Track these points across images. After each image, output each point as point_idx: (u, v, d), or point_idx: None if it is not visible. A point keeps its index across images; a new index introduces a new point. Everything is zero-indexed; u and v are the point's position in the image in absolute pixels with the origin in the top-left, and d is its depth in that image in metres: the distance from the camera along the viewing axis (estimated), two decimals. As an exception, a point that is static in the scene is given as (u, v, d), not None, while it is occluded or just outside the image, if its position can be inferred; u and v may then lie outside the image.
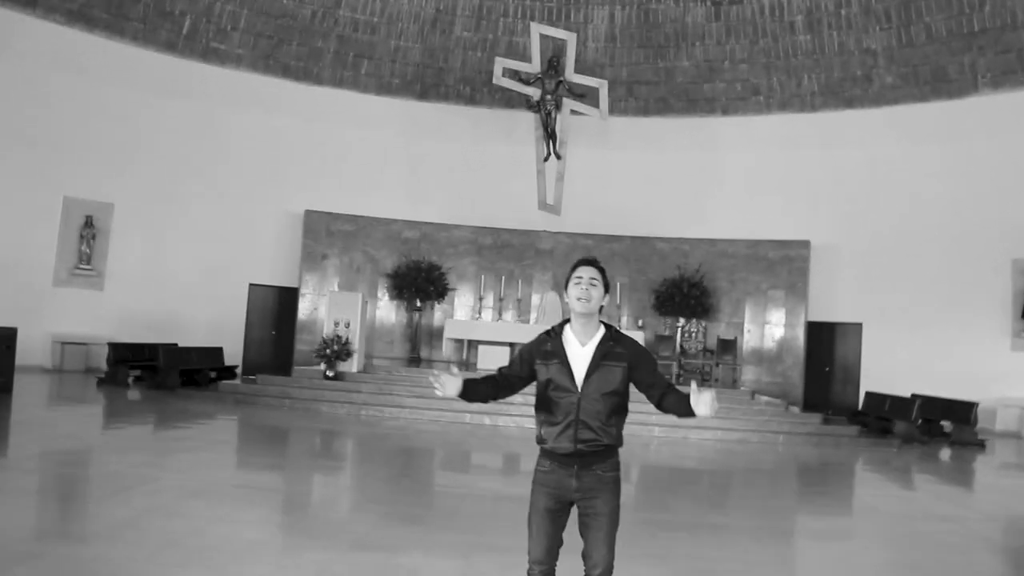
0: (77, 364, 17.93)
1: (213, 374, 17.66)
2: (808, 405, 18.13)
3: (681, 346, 18.24)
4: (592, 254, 3.86)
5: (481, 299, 20.20)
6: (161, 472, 8.24)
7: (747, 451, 13.22)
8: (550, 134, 18.56)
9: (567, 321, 3.69)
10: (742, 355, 18.93)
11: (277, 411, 14.46)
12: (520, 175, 19.73)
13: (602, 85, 17.99)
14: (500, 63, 18.53)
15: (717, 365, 17.76)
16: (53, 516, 6.46)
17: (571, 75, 18.08)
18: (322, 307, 18.87)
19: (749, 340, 19.23)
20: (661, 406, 3.62)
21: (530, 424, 13.13)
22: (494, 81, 18.60)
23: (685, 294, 18.85)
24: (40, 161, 17.62)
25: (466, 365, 18.51)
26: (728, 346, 17.99)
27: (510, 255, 20.41)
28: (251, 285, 20.13)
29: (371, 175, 20.49)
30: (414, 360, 19.18)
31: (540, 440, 3.65)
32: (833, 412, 17.36)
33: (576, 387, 3.53)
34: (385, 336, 20.20)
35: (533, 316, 19.74)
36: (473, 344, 18.66)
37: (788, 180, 19.44)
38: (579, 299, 3.59)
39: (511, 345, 17.79)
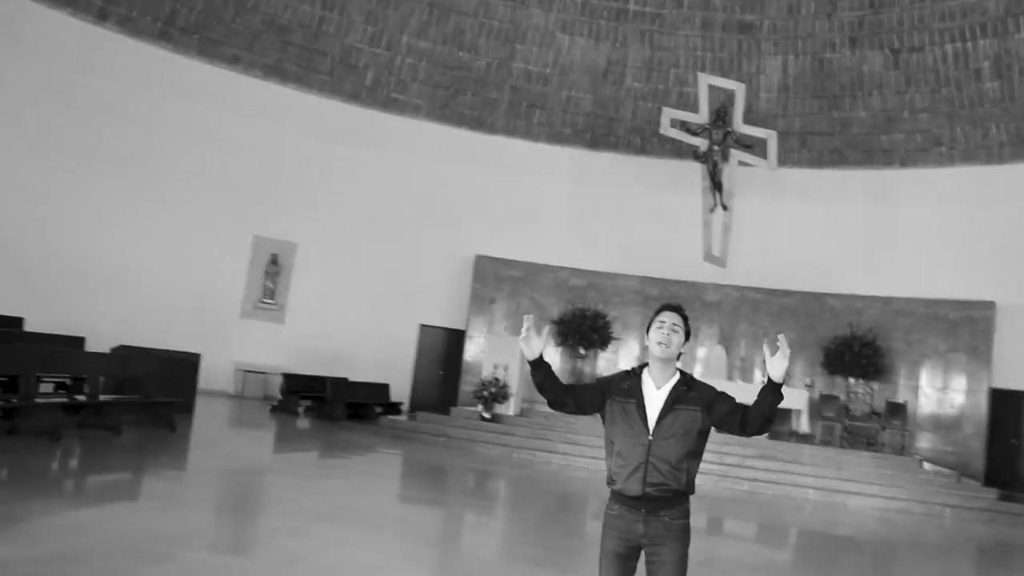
0: (257, 391, 19.14)
1: (379, 409, 18.39)
2: (991, 479, 16.80)
3: (847, 407, 17.48)
4: (677, 304, 3.82)
5: (646, 349, 20.04)
6: (305, 495, 8.70)
7: (908, 522, 12.50)
8: (717, 185, 18.39)
9: (645, 365, 3.71)
10: (915, 420, 17.92)
11: (432, 448, 14.92)
12: (689, 226, 19.56)
13: (771, 136, 17.68)
14: (667, 114, 18.59)
15: (884, 429, 16.88)
16: (198, 525, 6.97)
17: (739, 125, 17.86)
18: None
19: (925, 405, 18.18)
20: (745, 425, 3.55)
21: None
22: (661, 131, 18.68)
23: (856, 353, 18.09)
24: (233, 203, 19.11)
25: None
26: (897, 410, 17.08)
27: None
28: (421, 326, 20.87)
29: (541, 222, 20.90)
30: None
31: (610, 481, 3.65)
32: (1018, 488, 16.10)
33: (648, 429, 3.53)
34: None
35: (699, 370, 19.46)
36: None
37: (972, 236, 18.35)
38: (660, 343, 3.62)
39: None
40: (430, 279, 20.72)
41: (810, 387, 18.48)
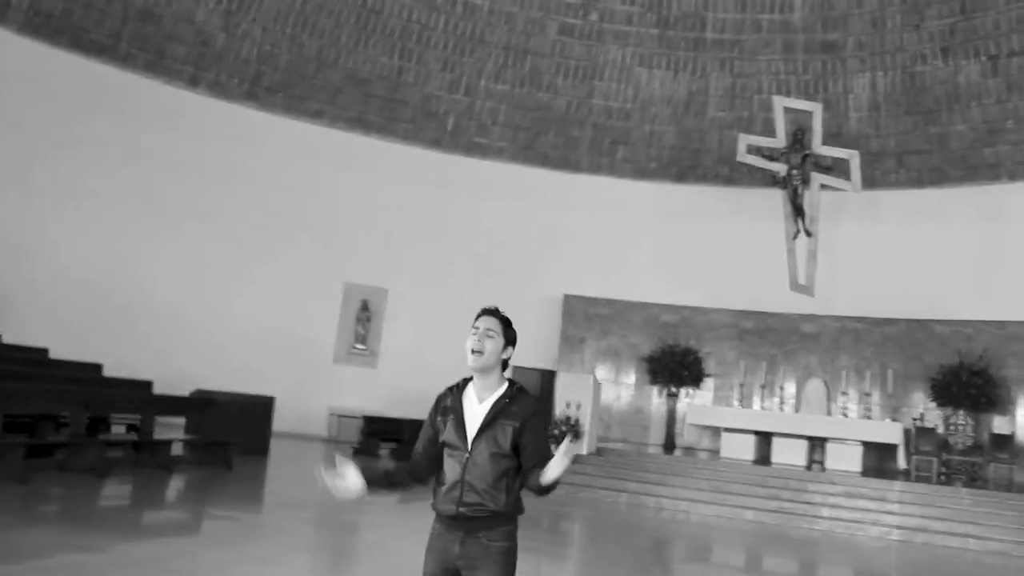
0: (351, 435, 19.48)
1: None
2: None
3: (946, 441, 16.38)
4: (494, 307, 3.63)
5: (742, 386, 19.45)
6: (308, 528, 8.99)
7: (1007, 566, 11.45)
8: (798, 210, 17.93)
9: (471, 378, 3.57)
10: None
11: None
12: (783, 256, 18.99)
13: (853, 156, 17.03)
14: (743, 139, 18.36)
15: (989, 463, 15.70)
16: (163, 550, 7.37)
17: (819, 147, 17.40)
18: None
19: (1047, 437, 16.80)
20: (524, 483, 3.39)
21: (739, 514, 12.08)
22: (738, 158, 18.46)
23: (964, 383, 16.96)
24: (324, 251, 20.13)
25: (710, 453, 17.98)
26: (1003, 442, 15.86)
27: (773, 339, 19.75)
28: (514, 367, 21.02)
29: (629, 259, 20.87)
30: (668, 447, 18.89)
31: (433, 500, 3.51)
32: None
33: (466, 445, 3.40)
34: (641, 421, 20.18)
35: (791, 405, 18.89)
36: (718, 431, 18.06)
37: (1092, 252, 17.02)
38: (472, 351, 3.46)
39: (758, 434, 17.13)
40: (520, 320, 19.79)
41: (917, 420, 17.40)
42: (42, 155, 17.43)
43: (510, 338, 3.55)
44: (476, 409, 3.46)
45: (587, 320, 20.70)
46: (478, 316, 3.56)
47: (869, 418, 17.62)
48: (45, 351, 14.61)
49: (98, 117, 17.82)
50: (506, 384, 3.53)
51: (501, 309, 3.61)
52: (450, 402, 3.52)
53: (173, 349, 18.10)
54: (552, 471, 3.19)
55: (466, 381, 3.57)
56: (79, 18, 17.56)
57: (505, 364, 3.55)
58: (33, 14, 17.06)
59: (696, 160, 20.93)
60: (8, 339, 14.65)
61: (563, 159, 21.26)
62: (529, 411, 3.45)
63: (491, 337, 3.48)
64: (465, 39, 20.45)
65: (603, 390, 18.80)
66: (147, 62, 18.34)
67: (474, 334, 3.49)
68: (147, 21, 18.28)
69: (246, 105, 19.36)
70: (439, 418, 3.51)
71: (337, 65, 19.94)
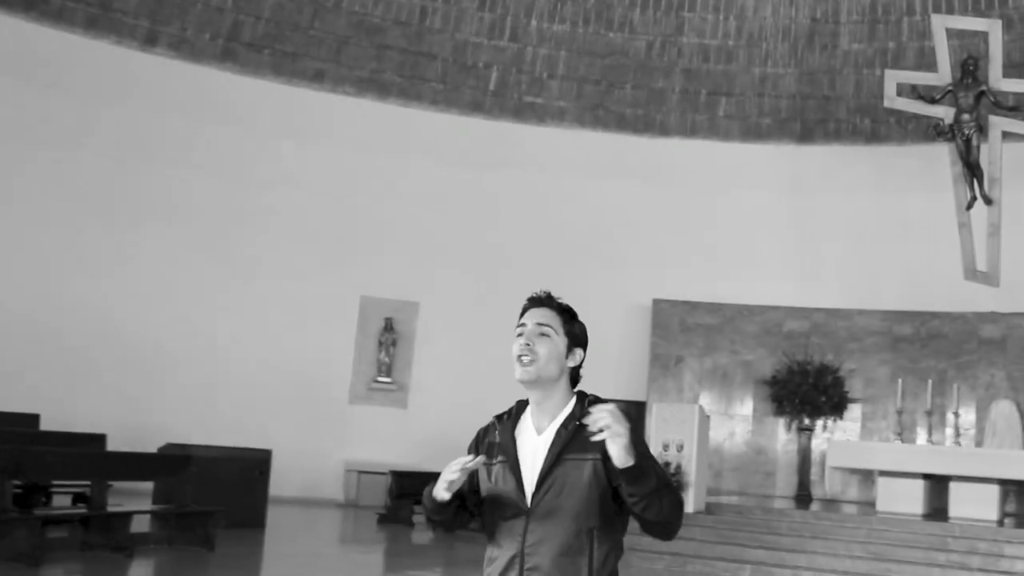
0: (375, 497, 18.01)
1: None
2: None
3: None
4: (546, 294, 3.13)
5: (900, 413, 17.45)
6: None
7: None
8: (973, 169, 16.24)
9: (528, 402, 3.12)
10: None
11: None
12: (951, 235, 17.21)
13: (1048, 89, 15.16)
14: (892, 77, 16.75)
15: None
16: None
17: (998, 81, 15.72)
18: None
19: None
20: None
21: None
22: (886, 104, 16.87)
23: None
24: (333, 257, 18.96)
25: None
26: None
27: (941, 349, 17.88)
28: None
29: (739, 249, 19.42)
30: (802, 499, 17.24)
31: None
32: None
33: (524, 501, 2.92)
34: (763, 466, 18.58)
35: (976, 434, 17.15)
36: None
37: None
38: (520, 357, 2.98)
39: (928, 477, 15.33)
40: (596, 337, 18.58)
41: None
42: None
43: (576, 336, 3.10)
44: (534, 444, 3.01)
45: (685, 332, 19.15)
46: (524, 310, 3.15)
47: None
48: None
49: (20, 88, 16.77)
50: (573, 401, 3.05)
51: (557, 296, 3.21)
52: (499, 437, 3.10)
53: (139, 393, 17.20)
54: (614, 451, 2.70)
55: (522, 406, 3.16)
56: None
57: (575, 376, 3.11)
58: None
59: (826, 111, 19.49)
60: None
61: (645, 120, 19.96)
62: None
63: (546, 335, 3.03)
64: (508, -35, 19.48)
65: (711, 425, 17.22)
66: (89, 18, 17.29)
67: (520, 335, 3.05)
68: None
69: (221, 68, 18.33)
70: (486, 459, 3.07)
71: (340, 9, 18.76)
